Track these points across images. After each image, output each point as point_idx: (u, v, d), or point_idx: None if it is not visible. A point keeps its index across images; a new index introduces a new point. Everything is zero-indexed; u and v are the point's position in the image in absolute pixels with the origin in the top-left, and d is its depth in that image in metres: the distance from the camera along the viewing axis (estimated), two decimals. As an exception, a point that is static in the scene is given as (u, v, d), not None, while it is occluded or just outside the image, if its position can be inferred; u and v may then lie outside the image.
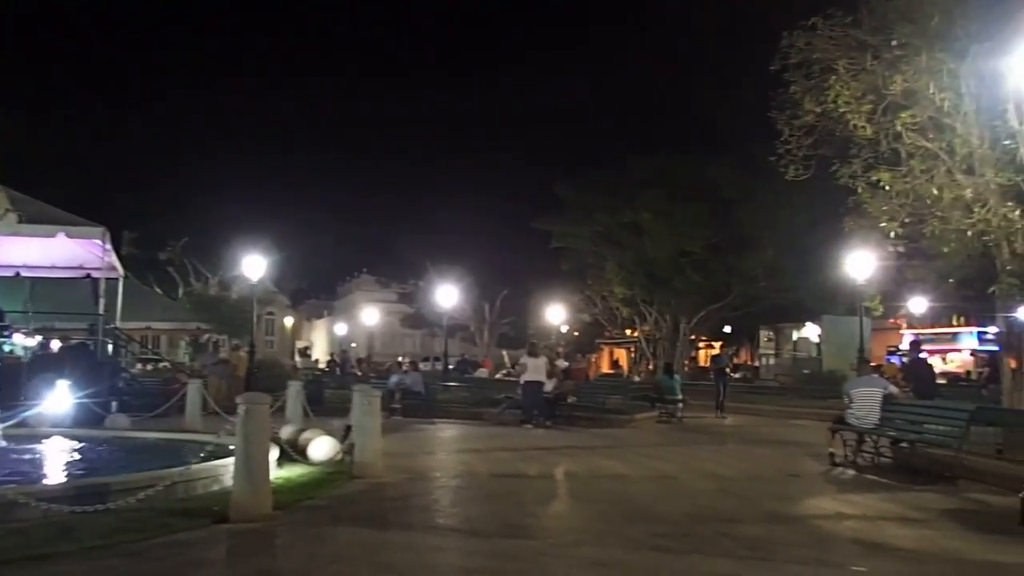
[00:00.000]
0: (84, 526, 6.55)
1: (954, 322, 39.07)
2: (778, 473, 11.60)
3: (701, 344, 48.11)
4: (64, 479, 9.30)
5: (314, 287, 73.72)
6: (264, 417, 7.74)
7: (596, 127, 74.22)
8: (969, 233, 11.72)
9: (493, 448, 13.81)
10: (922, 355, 16.67)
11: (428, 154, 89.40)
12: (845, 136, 12.70)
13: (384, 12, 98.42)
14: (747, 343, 47.03)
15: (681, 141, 53.34)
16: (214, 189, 43.42)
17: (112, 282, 19.01)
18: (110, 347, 18.75)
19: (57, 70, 61.37)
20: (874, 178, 12.42)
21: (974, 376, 30.25)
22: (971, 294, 17.11)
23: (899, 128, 11.95)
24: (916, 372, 15.18)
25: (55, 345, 19.16)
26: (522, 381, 18.45)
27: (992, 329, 26.39)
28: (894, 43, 11.86)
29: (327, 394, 21.76)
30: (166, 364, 30.59)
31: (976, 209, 11.63)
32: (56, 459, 11.06)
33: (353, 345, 67.91)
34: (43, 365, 16.40)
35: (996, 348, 18.72)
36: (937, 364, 27.11)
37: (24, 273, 19.55)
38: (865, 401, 12.01)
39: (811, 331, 38.57)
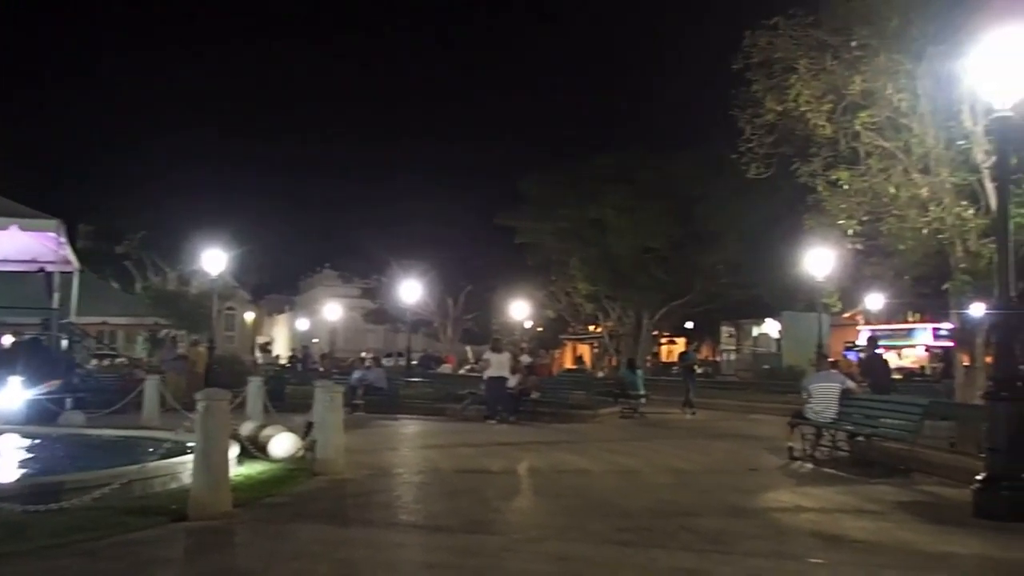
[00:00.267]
0: (37, 525, 6.41)
1: (910, 318, 39.84)
2: (738, 467, 11.73)
3: (663, 340, 48.50)
4: (17, 477, 9.09)
5: (276, 282, 72.96)
6: (224, 413, 7.65)
7: (560, 124, 74.65)
8: (925, 231, 11.91)
9: (456, 444, 13.79)
10: (879, 351, 16.95)
11: (391, 148, 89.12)
12: (805, 135, 12.84)
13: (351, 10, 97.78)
14: (708, 339, 47.47)
15: (645, 138, 53.79)
16: (173, 182, 42.75)
17: (67, 276, 18.65)
18: (65, 342, 18.39)
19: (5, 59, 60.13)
20: (833, 176, 12.58)
21: (928, 371, 30.85)
22: (926, 291, 17.43)
23: (858, 127, 12.11)
24: (873, 368, 15.44)
25: (7, 340, 18.74)
26: (486, 377, 18.45)
27: (946, 325, 26.97)
28: (853, 44, 12.01)
29: (288, 390, 21.54)
30: (123, 360, 30.07)
31: (931, 208, 11.83)
32: (8, 457, 10.81)
33: (315, 341, 67.31)
34: (-5, 360, 16.03)
35: (950, 344, 19.13)
36: (893, 360, 27.62)
37: (-25, 267, 19.10)
38: (823, 396, 12.20)
39: (771, 327, 39.08)
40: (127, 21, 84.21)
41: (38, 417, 13.86)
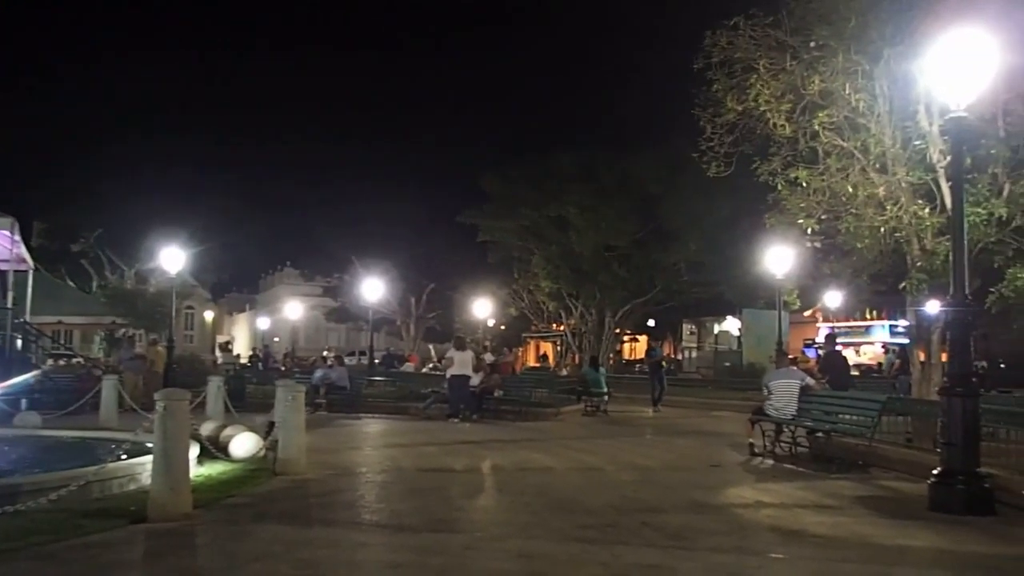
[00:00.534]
0: (-9, 529, 6.28)
1: (867, 316, 40.47)
2: (700, 463, 11.82)
3: (626, 338, 48.75)
4: (-31, 480, 8.89)
5: (236, 280, 72.31)
6: (183, 413, 7.55)
7: (522, 121, 74.74)
8: (882, 230, 12.09)
9: (419, 443, 13.75)
10: (837, 348, 17.18)
11: (353, 146, 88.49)
12: (765, 134, 12.95)
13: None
14: (670, 336, 47.87)
15: (607, 137, 54.04)
16: (130, 179, 42.06)
17: (21, 275, 18.32)
18: (19, 342, 18.02)
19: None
20: (793, 175, 12.70)
21: (886, 368, 31.37)
22: (883, 289, 17.67)
23: (816, 127, 12.24)
24: (831, 364, 15.64)
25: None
26: (448, 375, 18.40)
27: (903, 322, 27.46)
28: (812, 44, 12.14)
29: (249, 389, 21.34)
30: (79, 360, 29.55)
31: (888, 207, 12.01)
32: (-39, 459, 10.57)
33: (276, 340, 66.77)
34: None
35: (906, 341, 19.46)
36: (851, 356, 28.04)
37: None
38: (783, 393, 12.35)
39: (732, 324, 39.52)
40: (83, 18, 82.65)
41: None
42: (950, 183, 10.53)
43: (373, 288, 33.98)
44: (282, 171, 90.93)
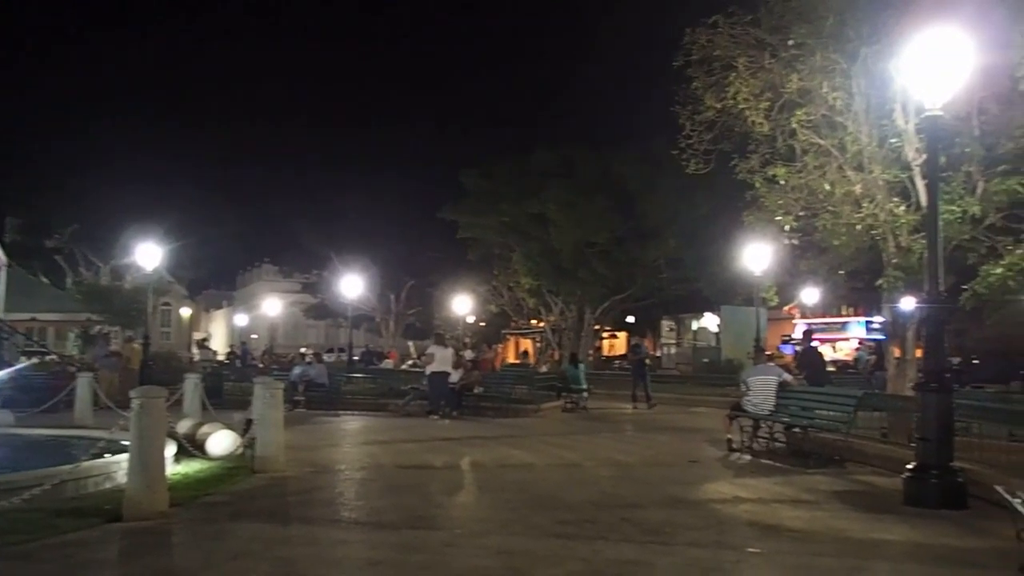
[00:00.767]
0: (-36, 528, 6.21)
1: (844, 312, 40.84)
2: (678, 459, 11.88)
3: (605, 334, 48.88)
4: (-59, 479, 8.78)
5: (213, 277, 71.64)
6: (160, 411, 7.49)
7: (503, 117, 74.61)
8: (858, 227, 12.17)
9: (399, 439, 13.72)
10: (814, 344, 17.31)
11: (332, 142, 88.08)
12: (744, 132, 13.01)
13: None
14: (649, 333, 48.02)
15: (587, 134, 54.10)
16: (106, 174, 41.51)
17: (-6, 271, 18.05)
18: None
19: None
20: (771, 173, 12.77)
21: (862, 365, 31.66)
22: (860, 286, 17.81)
23: (794, 125, 12.31)
24: (808, 360, 15.76)
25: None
26: (428, 372, 18.37)
27: (878, 319, 27.73)
28: (791, 43, 12.20)
29: (227, 387, 21.15)
30: (54, 357, 29.22)
31: (865, 204, 12.11)
32: (-68, 458, 10.43)
33: (254, 336, 66.38)
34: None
35: (882, 337, 19.66)
36: (827, 353, 28.30)
37: None
38: (761, 389, 12.43)
39: (710, 321, 39.72)
40: (52, 9, 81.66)
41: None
42: (925, 181, 10.64)
43: (352, 285, 33.85)
44: (260, 167, 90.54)
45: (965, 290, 11.98)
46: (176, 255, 36.10)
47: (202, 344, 54.70)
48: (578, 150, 34.10)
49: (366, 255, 42.28)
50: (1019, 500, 4.63)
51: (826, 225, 12.50)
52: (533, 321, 45.08)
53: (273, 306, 55.94)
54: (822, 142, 12.42)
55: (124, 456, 7.58)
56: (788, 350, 31.67)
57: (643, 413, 20.18)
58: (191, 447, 9.80)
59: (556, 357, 37.33)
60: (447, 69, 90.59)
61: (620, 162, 32.47)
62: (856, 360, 33.92)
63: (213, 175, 72.79)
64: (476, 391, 19.28)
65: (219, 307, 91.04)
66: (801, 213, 12.87)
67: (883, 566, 6.15)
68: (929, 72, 8.28)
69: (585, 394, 20.84)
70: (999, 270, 11.34)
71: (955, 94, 8.89)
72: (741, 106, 12.50)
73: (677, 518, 7.50)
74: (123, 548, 6.31)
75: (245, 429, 10.33)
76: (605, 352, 50.37)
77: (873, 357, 25.21)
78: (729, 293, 32.49)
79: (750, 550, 6.48)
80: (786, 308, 37.75)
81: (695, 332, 43.29)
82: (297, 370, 21.22)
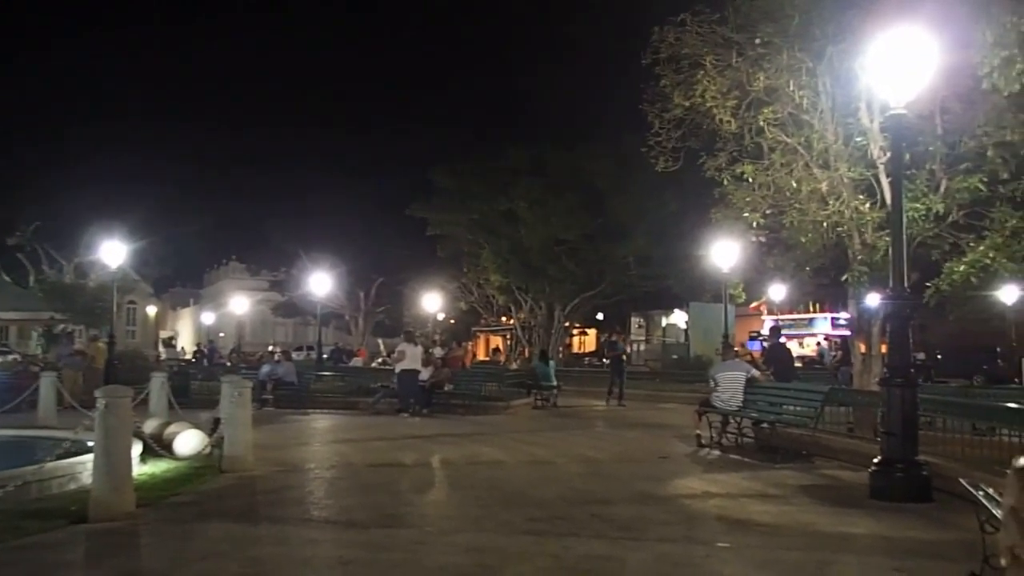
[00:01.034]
0: (-76, 532, 6.08)
1: (811, 308, 41.30)
2: (648, 455, 11.94)
3: (575, 331, 49.04)
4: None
5: (179, 275, 70.94)
6: (125, 410, 7.39)
7: (473, 115, 74.40)
8: (824, 224, 12.30)
9: (369, 438, 13.66)
10: (781, 340, 17.48)
11: (301, 139, 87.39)
12: (712, 130, 13.08)
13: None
14: (619, 330, 48.25)
15: (556, 132, 54.02)
16: (69, 170, 41.04)
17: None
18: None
19: None
20: (738, 171, 12.85)
21: (827, 360, 32.06)
22: (826, 282, 17.98)
23: (761, 123, 12.40)
24: (776, 356, 15.91)
25: None
26: (398, 370, 18.30)
27: (844, 315, 28.05)
28: (757, 41, 12.28)
29: (194, 386, 20.94)
30: (16, 356, 28.74)
31: (831, 201, 12.23)
32: None
33: (221, 335, 65.71)
34: None
35: (848, 333, 19.89)
36: (795, 348, 28.61)
37: None
38: (729, 384, 12.54)
39: (679, 318, 40.04)
40: (9, 9, 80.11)
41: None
42: (890, 179, 10.79)
43: (321, 282, 33.65)
44: (227, 164, 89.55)
45: (929, 286, 12.15)
46: (141, 252, 35.70)
47: (168, 342, 54.06)
48: (548, 148, 34.16)
49: (335, 252, 42.09)
50: (983, 493, 4.70)
51: (793, 222, 12.61)
52: (503, 318, 45.12)
53: (240, 304, 55.35)
54: (789, 140, 12.52)
55: (89, 456, 7.49)
56: (755, 346, 32.01)
57: (613, 409, 20.26)
58: (158, 447, 9.67)
59: (526, 354, 37.40)
60: (416, 67, 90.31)
61: (590, 160, 32.57)
62: (820, 355, 34.37)
63: (179, 172, 72.04)
64: (446, 389, 19.23)
65: (186, 305, 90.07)
66: (768, 210, 12.96)
67: (851, 559, 6.23)
68: (893, 71, 8.39)
69: (555, 391, 20.88)
70: (962, 267, 11.52)
71: (919, 93, 9.02)
72: (709, 104, 12.57)
73: (647, 513, 7.54)
74: (90, 550, 6.22)
75: (213, 428, 10.24)
76: (575, 349, 50.53)
77: (838, 352, 25.51)
78: (698, 290, 32.77)
79: (719, 544, 6.54)
80: (754, 305, 38.11)
81: (664, 329, 43.62)
82: (265, 368, 21.02)
